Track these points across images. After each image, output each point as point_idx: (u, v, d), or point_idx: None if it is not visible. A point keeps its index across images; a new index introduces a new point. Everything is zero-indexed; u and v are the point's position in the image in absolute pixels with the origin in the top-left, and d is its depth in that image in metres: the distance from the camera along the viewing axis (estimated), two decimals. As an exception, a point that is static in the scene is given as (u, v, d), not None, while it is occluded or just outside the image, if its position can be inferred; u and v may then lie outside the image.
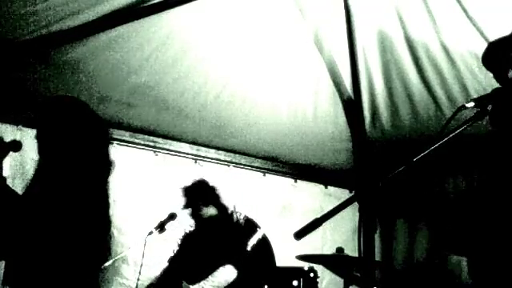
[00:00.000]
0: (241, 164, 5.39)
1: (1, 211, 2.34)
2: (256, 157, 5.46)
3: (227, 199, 4.30)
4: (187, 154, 5.14)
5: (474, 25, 3.79)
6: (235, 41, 4.37)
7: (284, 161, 5.59)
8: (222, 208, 4.26)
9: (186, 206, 4.26)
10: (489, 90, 2.15)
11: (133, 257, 4.45)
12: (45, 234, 2.27)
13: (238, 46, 4.41)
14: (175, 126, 4.97)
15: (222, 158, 5.30)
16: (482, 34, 3.77)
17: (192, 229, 4.38)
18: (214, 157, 5.26)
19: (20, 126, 4.28)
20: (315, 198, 5.64)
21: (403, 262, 5.61)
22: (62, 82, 4.25)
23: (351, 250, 4.11)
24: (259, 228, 4.25)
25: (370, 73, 4.67)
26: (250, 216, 4.35)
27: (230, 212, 4.27)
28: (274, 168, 5.57)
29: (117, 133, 4.74)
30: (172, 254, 4.38)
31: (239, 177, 4.58)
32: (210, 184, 4.32)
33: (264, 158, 5.49)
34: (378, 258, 5.35)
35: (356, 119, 5.18)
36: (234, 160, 5.35)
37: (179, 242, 4.41)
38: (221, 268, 4.03)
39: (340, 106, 5.10)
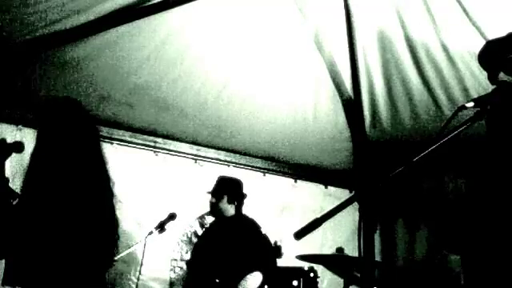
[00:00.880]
0: (241, 164, 5.39)
1: (2, 211, 2.35)
2: (256, 157, 5.46)
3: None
4: (187, 154, 5.14)
5: (474, 25, 3.79)
6: (235, 41, 4.37)
7: (284, 161, 5.59)
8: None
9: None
10: (489, 90, 2.16)
11: (133, 257, 4.45)
12: (45, 233, 2.27)
13: (238, 46, 4.41)
14: (175, 126, 4.97)
15: (222, 158, 5.31)
16: (482, 34, 3.77)
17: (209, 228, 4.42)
18: (213, 157, 5.27)
19: (20, 126, 4.28)
20: (315, 198, 5.64)
21: (403, 261, 5.61)
22: (62, 82, 4.25)
23: (351, 250, 4.12)
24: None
25: (370, 73, 4.67)
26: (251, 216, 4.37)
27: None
28: (273, 168, 5.57)
29: (117, 133, 4.75)
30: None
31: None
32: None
33: (264, 158, 5.50)
34: (378, 258, 5.36)
35: (356, 119, 5.18)
36: (233, 160, 5.35)
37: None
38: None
39: (340, 106, 5.10)
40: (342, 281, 3.87)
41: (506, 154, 2.18)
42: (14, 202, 2.40)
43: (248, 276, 3.97)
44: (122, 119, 4.75)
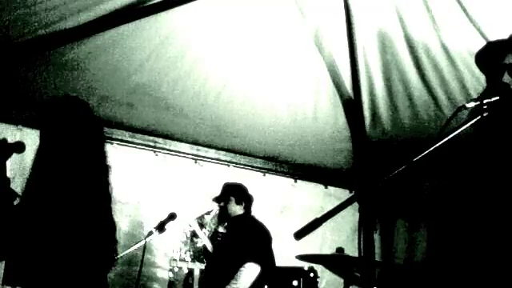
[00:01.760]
0: (241, 164, 5.39)
1: (2, 212, 2.35)
2: (256, 157, 5.46)
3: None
4: (187, 154, 5.14)
5: (474, 25, 3.79)
6: (235, 41, 4.37)
7: (284, 161, 5.59)
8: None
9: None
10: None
11: (133, 257, 4.45)
12: (45, 234, 2.27)
13: (238, 46, 4.41)
14: (175, 126, 4.97)
15: (222, 158, 5.31)
16: (482, 34, 3.77)
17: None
18: (213, 157, 5.27)
19: (20, 126, 4.29)
20: (315, 198, 5.64)
21: (403, 261, 5.61)
22: (62, 81, 4.25)
23: (351, 250, 4.11)
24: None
25: (370, 73, 4.67)
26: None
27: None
28: (273, 168, 5.57)
29: (117, 133, 4.75)
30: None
31: (239, 177, 4.58)
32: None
33: (264, 158, 5.50)
34: (378, 258, 5.36)
35: (356, 119, 5.18)
36: (233, 160, 5.35)
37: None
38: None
39: (340, 106, 5.10)
40: (342, 281, 3.87)
41: (506, 153, 2.18)
42: (15, 203, 2.40)
43: (241, 268, 3.99)
44: (122, 119, 4.75)
